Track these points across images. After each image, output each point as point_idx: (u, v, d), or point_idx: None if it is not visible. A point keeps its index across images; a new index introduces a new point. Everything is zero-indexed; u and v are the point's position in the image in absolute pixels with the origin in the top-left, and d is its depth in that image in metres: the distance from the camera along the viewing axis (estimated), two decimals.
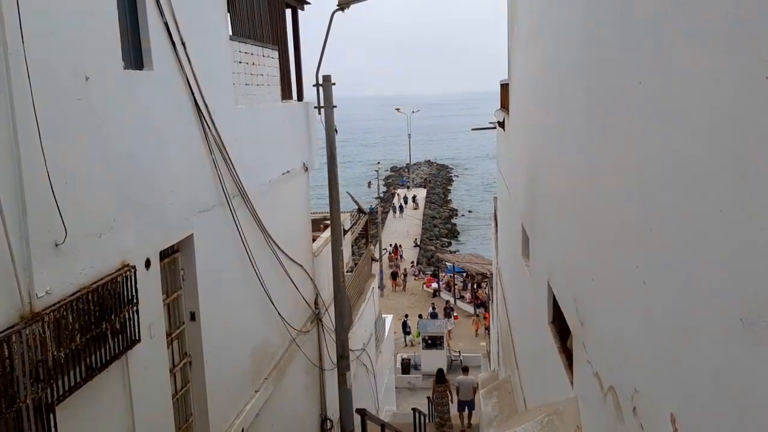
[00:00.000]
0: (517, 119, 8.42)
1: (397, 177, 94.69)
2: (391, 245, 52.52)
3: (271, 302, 9.94)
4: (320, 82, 12.71)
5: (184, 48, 7.14)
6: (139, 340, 6.03)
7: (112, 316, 5.52)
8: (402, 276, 44.76)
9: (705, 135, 1.90)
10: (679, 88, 2.14)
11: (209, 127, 7.78)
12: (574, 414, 4.09)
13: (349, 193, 15.98)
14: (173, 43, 6.93)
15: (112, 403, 5.77)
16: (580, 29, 3.94)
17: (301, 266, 12.01)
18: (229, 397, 8.50)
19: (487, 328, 31.49)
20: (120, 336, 5.69)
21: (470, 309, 39.75)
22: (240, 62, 9.16)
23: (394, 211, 67.57)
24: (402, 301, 41.93)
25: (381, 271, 44.15)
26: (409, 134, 79.72)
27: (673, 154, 2.18)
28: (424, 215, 67.00)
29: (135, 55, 6.44)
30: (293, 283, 11.25)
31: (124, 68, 6.03)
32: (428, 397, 24.83)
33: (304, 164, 12.32)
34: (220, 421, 8.16)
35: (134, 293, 5.92)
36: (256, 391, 9.46)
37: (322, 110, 12.79)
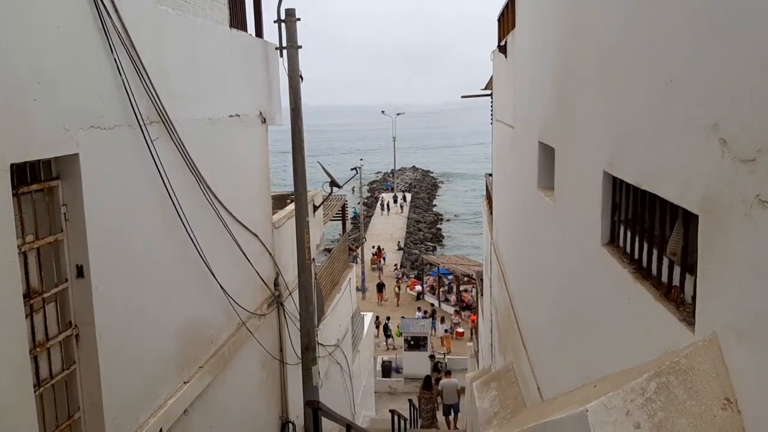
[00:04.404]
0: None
1: (381, 181, 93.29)
2: (374, 247, 50.56)
3: (209, 270, 7.81)
4: (282, 17, 10.67)
5: None
6: None
7: None
8: (395, 289, 41.45)
9: None
10: None
11: (107, 12, 5.67)
12: (715, 370, 2.05)
13: (320, 163, 13.87)
14: None
15: None
16: None
17: (257, 236, 9.90)
18: (139, 387, 6.35)
19: (472, 332, 29.47)
20: None
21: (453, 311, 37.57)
22: None
23: (382, 208, 68.02)
24: (385, 306, 39.57)
25: (363, 273, 42.07)
26: (394, 137, 77.66)
27: None
28: (408, 219, 65.40)
29: None
30: (243, 253, 9.13)
31: None
32: (410, 400, 22.99)
33: (261, 113, 10.21)
34: (123, 418, 6.01)
35: None
36: (185, 382, 7.30)
37: (285, 52, 10.76)
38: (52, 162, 5.28)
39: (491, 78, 14.05)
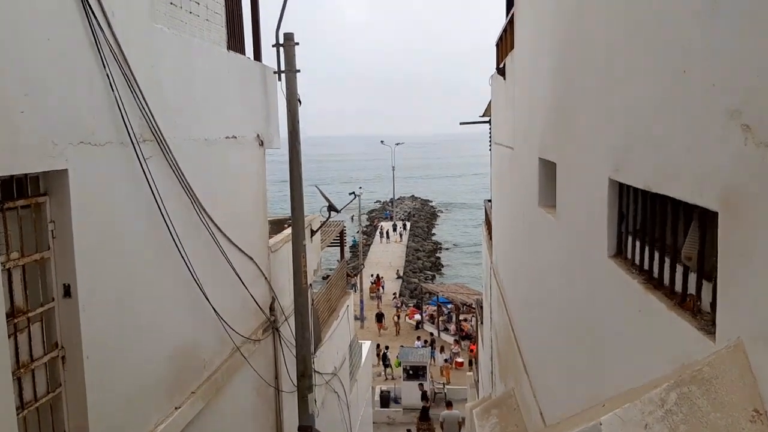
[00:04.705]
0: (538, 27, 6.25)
1: (380, 210, 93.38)
2: (372, 276, 50.29)
3: (203, 293, 7.63)
4: (281, 41, 10.64)
5: None
6: None
7: None
8: (394, 318, 40.98)
9: None
10: None
11: (101, 28, 5.59)
12: (742, 379, 1.88)
13: (318, 188, 13.74)
14: None
15: None
16: None
17: (252, 259, 9.73)
18: (128, 412, 6.14)
19: (472, 361, 29.11)
20: None
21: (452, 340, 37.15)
22: None
23: (381, 236, 68.78)
24: (385, 336, 39.10)
25: (362, 301, 41.76)
26: (393, 166, 77.82)
27: None
28: (407, 247, 65.26)
29: None
30: (238, 276, 8.94)
31: None
32: (408, 430, 22.71)
33: (258, 136, 10.12)
34: None
35: None
36: (176, 408, 7.08)
37: (283, 76, 10.70)
38: (40, 177, 5.15)
39: (489, 103, 14.01)
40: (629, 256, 3.28)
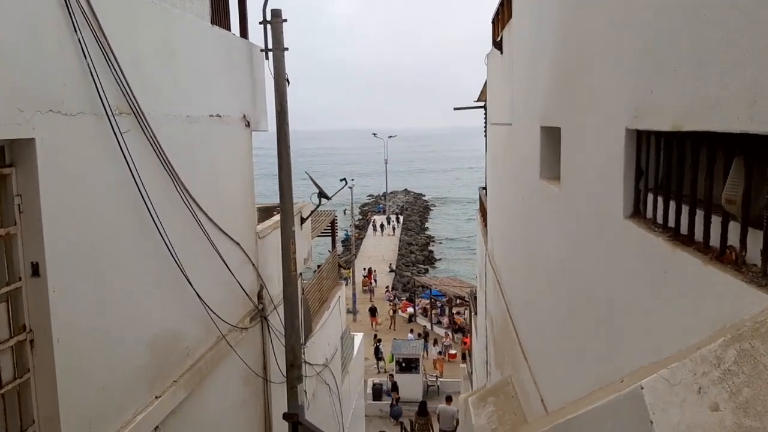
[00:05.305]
0: None
1: (373, 204, 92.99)
2: (365, 269, 49.91)
3: (185, 276, 7.27)
4: (268, 18, 10.27)
5: None
6: None
7: None
8: (389, 312, 40.45)
9: None
10: None
11: None
12: None
13: (308, 174, 13.39)
14: None
15: None
16: None
17: (238, 244, 9.37)
18: (103, 400, 5.78)
19: (465, 355, 28.82)
20: None
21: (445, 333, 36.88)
22: None
23: (375, 229, 68.09)
24: (379, 330, 38.69)
25: (354, 294, 41.42)
26: (386, 159, 77.32)
27: None
28: (400, 241, 64.93)
29: None
30: (224, 261, 8.59)
31: None
32: (401, 422, 22.41)
33: (245, 116, 9.75)
34: None
35: None
36: (156, 397, 6.73)
37: (270, 54, 10.34)
38: (6, 147, 4.79)
39: (484, 86, 13.68)
40: (649, 215, 2.93)
